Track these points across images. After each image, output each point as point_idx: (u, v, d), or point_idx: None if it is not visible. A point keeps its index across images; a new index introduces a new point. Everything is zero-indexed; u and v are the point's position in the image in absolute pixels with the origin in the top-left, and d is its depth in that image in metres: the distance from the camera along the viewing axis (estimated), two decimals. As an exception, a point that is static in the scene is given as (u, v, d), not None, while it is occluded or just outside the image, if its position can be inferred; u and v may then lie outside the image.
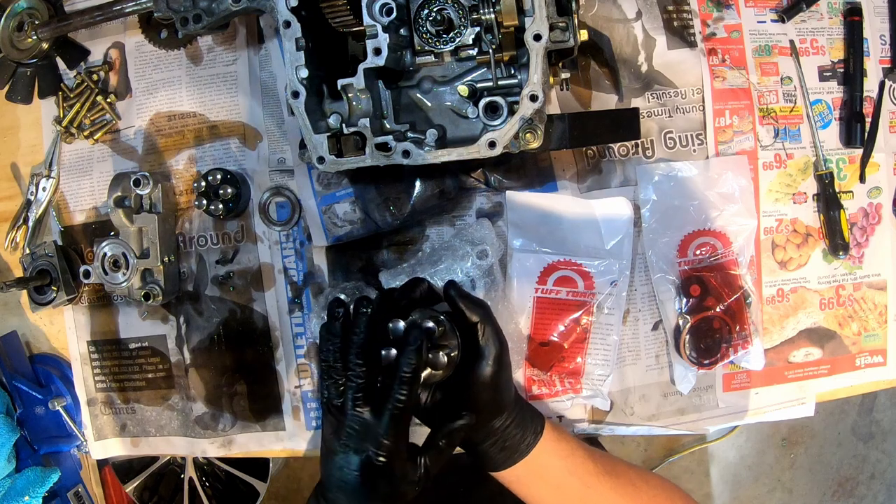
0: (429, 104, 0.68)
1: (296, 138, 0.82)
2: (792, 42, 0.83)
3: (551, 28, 0.59)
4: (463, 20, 0.63)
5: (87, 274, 0.81)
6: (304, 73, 0.63)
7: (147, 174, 0.80)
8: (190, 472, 1.59)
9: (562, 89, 0.79)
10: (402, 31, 0.64)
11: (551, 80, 0.66)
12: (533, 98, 0.59)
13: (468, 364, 0.62)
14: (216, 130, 0.85)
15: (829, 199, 0.82)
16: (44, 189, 0.89)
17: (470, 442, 0.65)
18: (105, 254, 0.80)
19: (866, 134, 0.84)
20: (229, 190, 0.81)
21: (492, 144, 0.60)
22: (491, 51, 0.63)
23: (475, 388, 0.62)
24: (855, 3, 0.84)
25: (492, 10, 0.60)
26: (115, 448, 0.91)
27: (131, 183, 0.80)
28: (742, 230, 0.81)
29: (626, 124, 0.69)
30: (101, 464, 1.00)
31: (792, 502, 2.08)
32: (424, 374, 0.59)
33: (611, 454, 0.72)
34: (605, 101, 0.81)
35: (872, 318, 0.87)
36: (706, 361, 0.81)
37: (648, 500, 0.67)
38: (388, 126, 0.67)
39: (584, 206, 0.79)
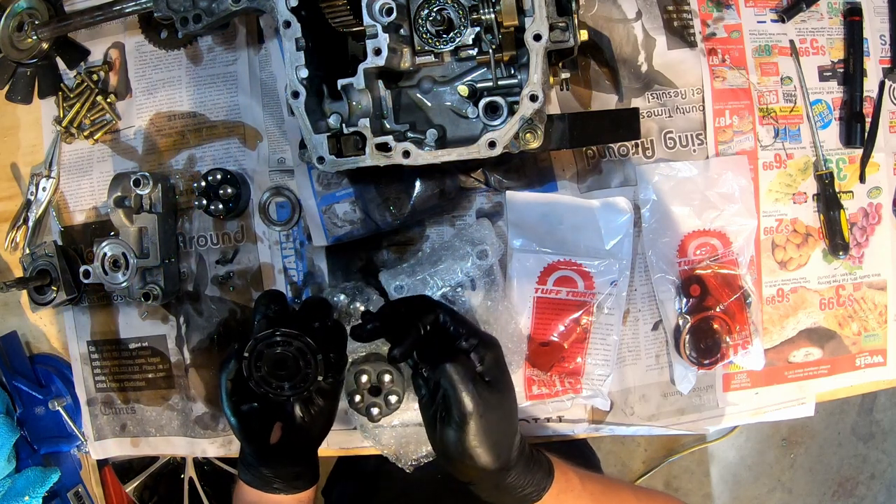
0: (429, 104, 0.68)
1: (296, 138, 0.82)
2: (792, 42, 0.83)
3: (551, 28, 0.59)
4: (463, 20, 0.63)
5: (87, 274, 0.81)
6: (304, 73, 0.63)
7: (147, 174, 0.79)
8: (190, 472, 1.59)
9: (562, 89, 0.79)
10: (402, 30, 0.64)
11: (551, 80, 0.66)
12: (533, 98, 0.59)
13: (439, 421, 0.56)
14: (216, 130, 0.85)
15: (829, 199, 0.82)
16: (44, 189, 0.89)
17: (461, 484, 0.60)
18: (105, 254, 0.80)
19: (866, 134, 0.84)
20: (229, 190, 0.81)
21: (492, 144, 0.60)
22: (491, 51, 0.63)
23: (445, 450, 0.56)
24: (855, 3, 0.84)
25: (492, 10, 0.60)
26: (114, 448, 0.91)
27: (131, 183, 0.80)
28: (742, 230, 0.81)
29: (626, 124, 0.69)
30: (101, 464, 1.00)
31: (792, 502, 2.08)
32: None
33: (625, 488, 0.68)
34: (605, 101, 0.81)
35: (872, 318, 0.86)
36: (706, 361, 0.81)
37: None
38: (388, 126, 0.67)
39: (584, 206, 0.79)
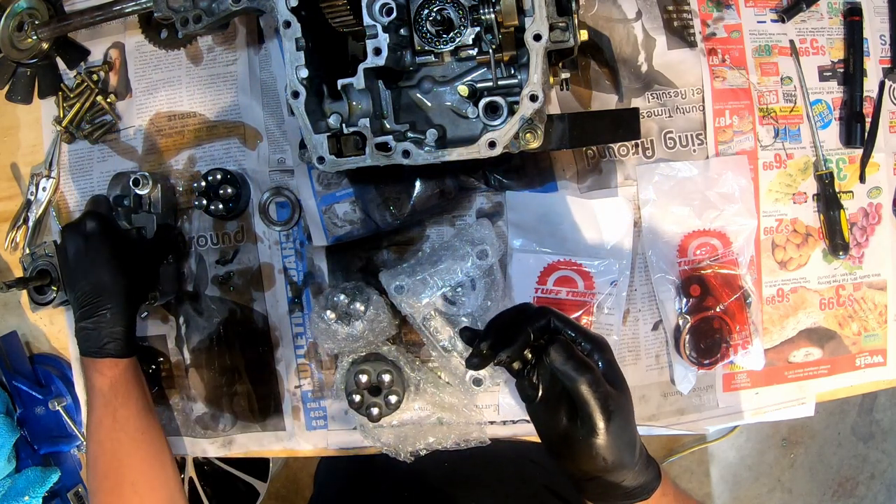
0: (429, 104, 0.68)
1: (296, 138, 0.82)
2: (792, 42, 0.83)
3: (551, 28, 0.59)
4: (463, 20, 0.63)
5: (86, 274, 0.81)
6: (304, 73, 0.63)
7: (146, 174, 0.79)
8: (190, 472, 1.59)
9: (562, 89, 0.79)
10: (402, 31, 0.64)
11: (551, 80, 0.65)
12: (533, 98, 0.59)
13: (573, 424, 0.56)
14: (216, 130, 0.85)
15: (829, 199, 0.82)
16: (44, 189, 0.89)
17: (574, 479, 0.60)
18: (105, 254, 0.80)
19: (866, 134, 0.84)
20: (229, 190, 0.81)
21: (492, 144, 0.60)
22: (491, 51, 0.63)
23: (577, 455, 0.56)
24: (855, 3, 0.84)
25: (492, 10, 0.60)
26: (115, 448, 0.91)
27: (130, 183, 0.80)
28: (742, 230, 0.81)
29: (626, 124, 0.69)
30: (101, 464, 1.00)
31: (792, 502, 2.08)
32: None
33: None
34: (605, 101, 0.81)
35: (872, 318, 0.87)
36: (706, 361, 0.81)
37: None
38: (388, 126, 0.67)
39: (584, 206, 0.79)
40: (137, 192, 0.80)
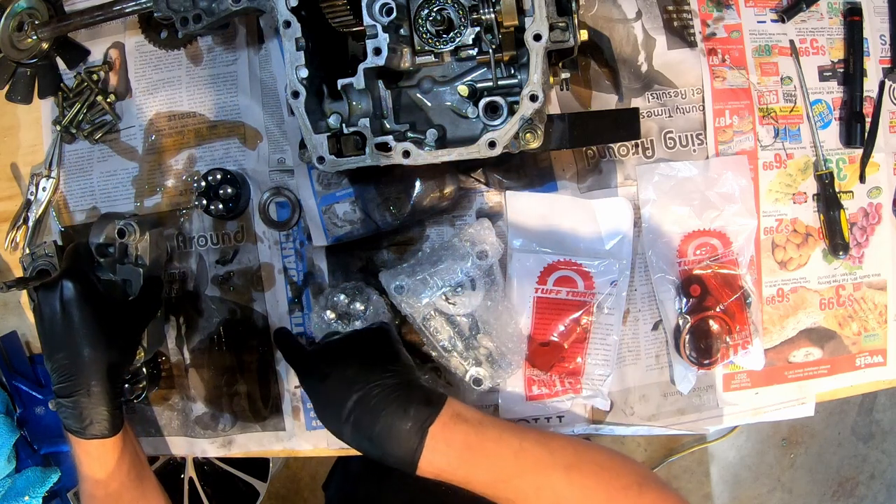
0: (429, 104, 0.68)
1: (296, 138, 0.82)
2: (792, 42, 0.83)
3: (551, 28, 0.59)
4: (463, 20, 0.63)
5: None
6: (304, 73, 0.63)
7: (133, 223, 0.74)
8: (190, 472, 1.59)
9: (562, 89, 0.79)
10: (402, 30, 0.64)
11: (551, 80, 0.66)
12: (533, 98, 0.59)
13: None
14: (216, 130, 0.85)
15: (829, 199, 0.82)
16: (44, 189, 0.89)
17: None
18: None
19: (866, 134, 0.84)
20: (229, 190, 0.81)
21: (492, 144, 0.60)
22: (491, 51, 0.63)
23: None
24: (855, 3, 0.84)
25: (492, 10, 0.60)
26: (115, 448, 0.91)
27: (115, 233, 0.74)
28: (742, 230, 0.81)
29: (626, 124, 0.69)
30: (101, 464, 1.00)
31: (792, 502, 2.09)
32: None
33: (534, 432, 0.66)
34: (605, 101, 0.81)
35: (872, 318, 0.87)
36: (706, 361, 0.81)
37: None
38: (388, 126, 0.67)
39: (584, 206, 0.79)
40: (122, 241, 0.74)
